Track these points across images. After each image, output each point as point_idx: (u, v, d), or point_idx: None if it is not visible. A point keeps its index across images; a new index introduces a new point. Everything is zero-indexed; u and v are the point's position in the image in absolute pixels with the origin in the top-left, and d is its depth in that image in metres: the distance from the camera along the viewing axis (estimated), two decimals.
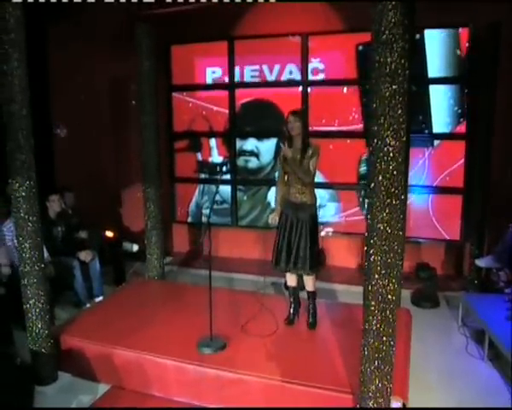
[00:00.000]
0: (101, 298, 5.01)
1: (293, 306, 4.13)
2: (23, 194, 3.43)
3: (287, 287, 5.37)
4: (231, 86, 6.09)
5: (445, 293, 5.25)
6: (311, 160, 3.74)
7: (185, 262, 6.49)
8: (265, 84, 5.95)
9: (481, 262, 4.82)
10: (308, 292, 4.03)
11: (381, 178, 2.58)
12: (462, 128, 5.25)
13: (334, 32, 5.54)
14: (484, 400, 3.38)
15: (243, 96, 6.11)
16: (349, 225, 5.87)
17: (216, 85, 6.18)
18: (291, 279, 4.12)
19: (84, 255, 4.93)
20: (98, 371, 3.74)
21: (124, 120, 6.77)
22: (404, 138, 2.56)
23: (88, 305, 4.86)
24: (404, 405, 3.00)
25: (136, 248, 5.80)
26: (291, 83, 5.85)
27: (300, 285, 4.17)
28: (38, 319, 3.60)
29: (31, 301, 3.58)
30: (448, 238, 5.51)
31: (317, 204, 3.95)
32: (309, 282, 3.98)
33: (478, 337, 4.23)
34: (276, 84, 5.91)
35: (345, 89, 5.66)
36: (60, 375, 3.79)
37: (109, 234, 5.79)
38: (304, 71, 5.74)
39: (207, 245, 6.72)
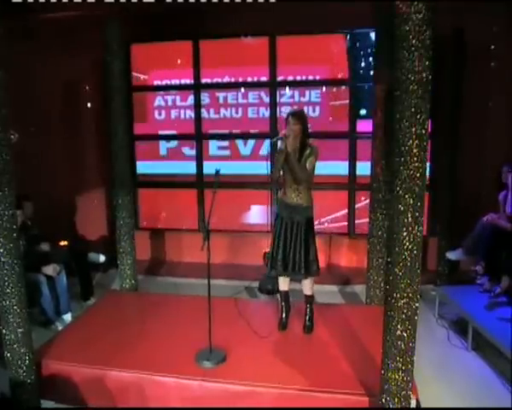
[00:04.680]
0: (69, 315, 4.65)
1: (285, 310, 4.06)
2: (1, 207, 3.06)
3: (262, 290, 5.35)
4: (196, 87, 5.89)
5: None
6: (309, 159, 3.69)
7: (150, 270, 6.21)
8: (233, 84, 5.84)
9: (452, 255, 4.99)
10: (306, 296, 3.98)
11: (404, 180, 2.59)
12: None
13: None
14: (480, 390, 3.51)
15: None
16: (319, 224, 5.89)
17: (180, 86, 5.96)
18: (284, 284, 4.05)
19: (52, 270, 4.53)
20: (86, 395, 3.44)
21: (77, 123, 6.35)
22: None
23: (58, 323, 4.49)
24: (417, 403, 3.04)
25: (103, 258, 5.42)
26: (259, 83, 5.79)
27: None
28: (21, 345, 3.22)
29: (11, 325, 3.19)
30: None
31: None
32: (306, 285, 3.94)
33: (456, 328, 4.43)
34: (245, 84, 5.81)
35: None
36: (42, 403, 3.44)
37: (63, 243, 5.40)
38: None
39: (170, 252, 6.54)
